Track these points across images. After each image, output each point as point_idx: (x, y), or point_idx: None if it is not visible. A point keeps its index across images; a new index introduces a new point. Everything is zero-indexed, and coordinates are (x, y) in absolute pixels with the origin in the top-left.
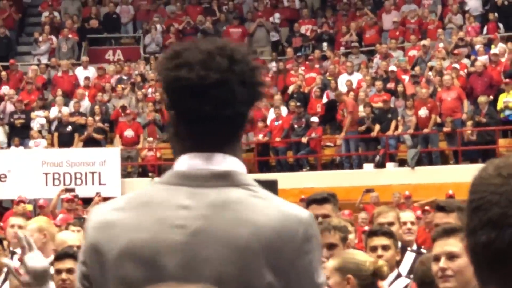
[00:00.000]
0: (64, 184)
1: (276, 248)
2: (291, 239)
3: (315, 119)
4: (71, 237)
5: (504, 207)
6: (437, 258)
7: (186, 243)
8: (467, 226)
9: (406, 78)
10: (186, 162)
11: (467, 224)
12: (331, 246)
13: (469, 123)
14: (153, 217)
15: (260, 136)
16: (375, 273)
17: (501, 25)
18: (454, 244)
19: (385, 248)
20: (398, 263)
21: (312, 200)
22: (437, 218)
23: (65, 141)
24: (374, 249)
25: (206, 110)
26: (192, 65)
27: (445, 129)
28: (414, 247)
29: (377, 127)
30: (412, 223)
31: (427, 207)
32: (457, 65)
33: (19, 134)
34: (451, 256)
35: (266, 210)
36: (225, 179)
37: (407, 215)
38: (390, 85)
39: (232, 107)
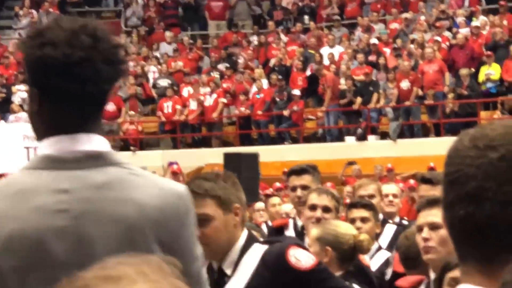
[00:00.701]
0: None
1: (161, 224)
2: (173, 214)
3: (296, 92)
4: None
5: (481, 181)
6: (420, 229)
7: (72, 226)
8: (444, 200)
9: (387, 51)
10: (53, 145)
11: (444, 197)
12: (326, 209)
13: (451, 95)
14: (31, 205)
15: (242, 109)
16: (354, 247)
17: None
18: (437, 215)
19: (363, 220)
20: (378, 236)
21: (292, 171)
22: (422, 190)
23: None
24: (353, 221)
25: (70, 88)
26: (56, 43)
27: (427, 102)
28: (397, 219)
29: (358, 100)
30: (395, 195)
31: (411, 181)
32: (438, 38)
33: (0, 108)
34: (434, 227)
35: (146, 188)
36: (100, 159)
37: (390, 188)
38: (372, 58)
39: (96, 85)
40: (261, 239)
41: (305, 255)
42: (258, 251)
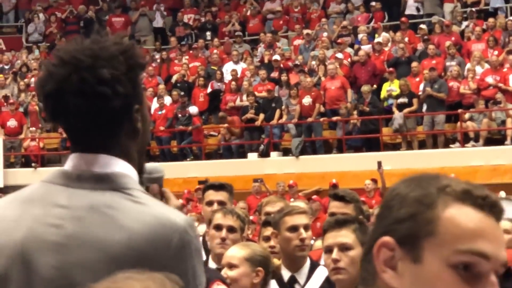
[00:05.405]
0: None
1: (148, 256)
2: (164, 247)
3: (195, 109)
4: None
5: None
6: (329, 250)
7: (61, 245)
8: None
9: (290, 67)
10: (71, 162)
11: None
12: (231, 229)
13: (354, 112)
14: (31, 214)
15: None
16: (274, 271)
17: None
18: (347, 235)
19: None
20: None
21: (210, 186)
22: (334, 207)
23: None
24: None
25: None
26: (47, 70)
27: (329, 118)
28: None
29: (261, 116)
30: None
31: (314, 197)
32: (340, 54)
33: None
34: (344, 248)
35: (141, 216)
36: (105, 181)
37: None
38: (274, 74)
39: (67, 118)
40: None
41: None
42: None
